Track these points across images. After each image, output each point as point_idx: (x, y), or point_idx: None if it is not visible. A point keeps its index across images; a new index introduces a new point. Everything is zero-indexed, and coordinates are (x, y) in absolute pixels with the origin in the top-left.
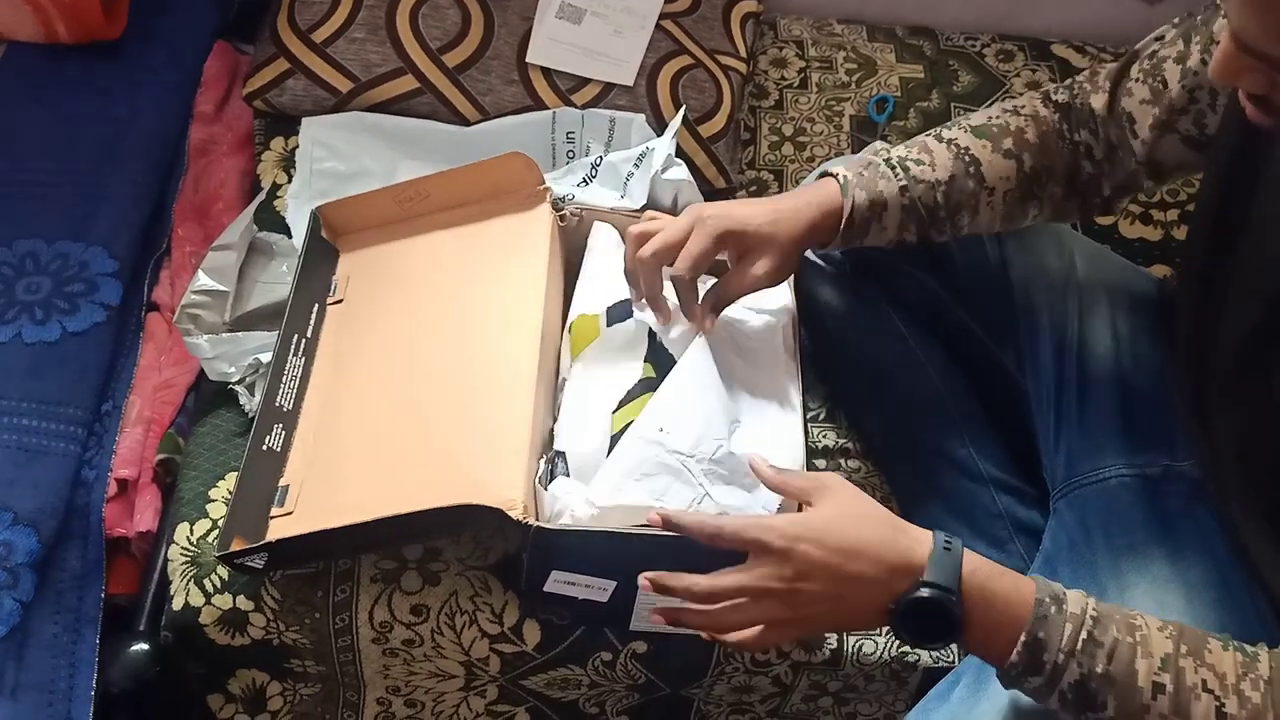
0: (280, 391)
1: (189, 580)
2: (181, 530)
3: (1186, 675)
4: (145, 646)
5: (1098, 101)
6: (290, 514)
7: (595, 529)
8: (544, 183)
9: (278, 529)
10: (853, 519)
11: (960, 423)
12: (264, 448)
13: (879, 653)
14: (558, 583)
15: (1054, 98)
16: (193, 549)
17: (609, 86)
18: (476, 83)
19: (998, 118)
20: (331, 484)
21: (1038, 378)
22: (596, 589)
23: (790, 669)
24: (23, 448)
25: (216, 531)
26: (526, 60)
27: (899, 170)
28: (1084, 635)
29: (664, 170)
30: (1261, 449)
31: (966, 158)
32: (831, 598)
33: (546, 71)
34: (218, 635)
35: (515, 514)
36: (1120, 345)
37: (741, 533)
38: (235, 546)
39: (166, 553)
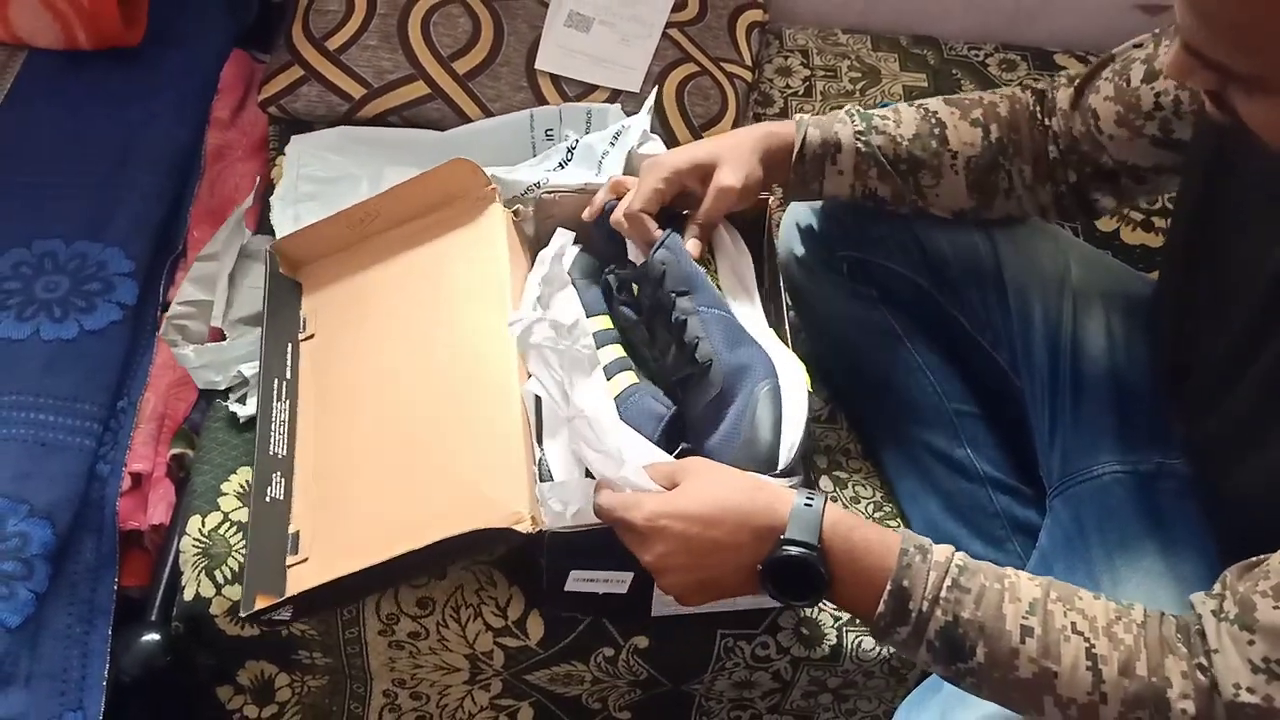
0: (271, 439)
1: (200, 571)
2: (194, 523)
3: (1055, 618)
4: (156, 636)
5: (1063, 95)
6: (306, 561)
7: (604, 524)
8: (490, 184)
9: (297, 578)
10: (712, 486)
11: (957, 423)
12: (267, 499)
13: (878, 649)
14: (578, 581)
15: (1033, 85)
16: (204, 541)
17: (616, 93)
18: (486, 89)
19: (974, 94)
20: (340, 524)
21: (1033, 378)
22: (615, 582)
23: (790, 665)
24: (40, 442)
25: (228, 524)
26: (535, 67)
27: (858, 118)
28: (949, 582)
29: (640, 145)
30: (1244, 448)
31: (933, 120)
32: (697, 567)
33: (555, 78)
34: (228, 626)
35: (523, 528)
36: (1115, 345)
37: (610, 513)
38: (260, 604)
39: (179, 545)
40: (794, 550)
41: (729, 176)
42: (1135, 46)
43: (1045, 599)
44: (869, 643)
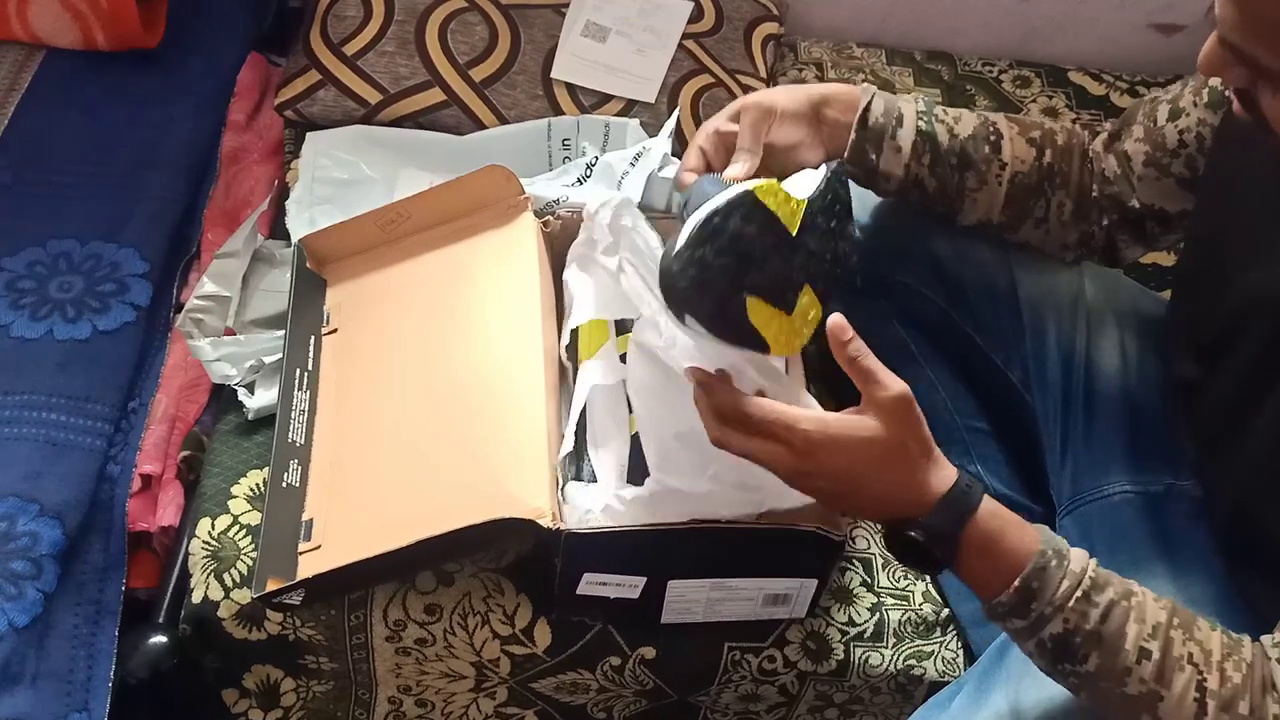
0: (290, 427)
1: (209, 574)
2: (203, 525)
3: (1175, 646)
4: (163, 638)
5: (1099, 140)
6: (318, 548)
7: (623, 528)
8: (524, 193)
9: (308, 564)
10: (883, 451)
11: (968, 439)
12: (283, 485)
13: (885, 665)
14: (591, 584)
15: (1090, 125)
16: (213, 544)
17: (631, 103)
18: (502, 97)
19: (1032, 117)
20: (355, 513)
21: (1045, 396)
22: (628, 587)
23: (797, 679)
24: (51, 442)
25: (237, 527)
26: (551, 76)
27: (920, 101)
28: (1079, 593)
29: (660, 169)
30: (1264, 472)
31: (991, 128)
32: (836, 495)
33: (571, 87)
34: (235, 629)
35: (545, 522)
36: (1128, 364)
37: (766, 424)
38: (271, 586)
39: (188, 547)
40: (919, 534)
41: (759, 97)
42: (1165, 92)
43: (1168, 625)
44: (876, 658)
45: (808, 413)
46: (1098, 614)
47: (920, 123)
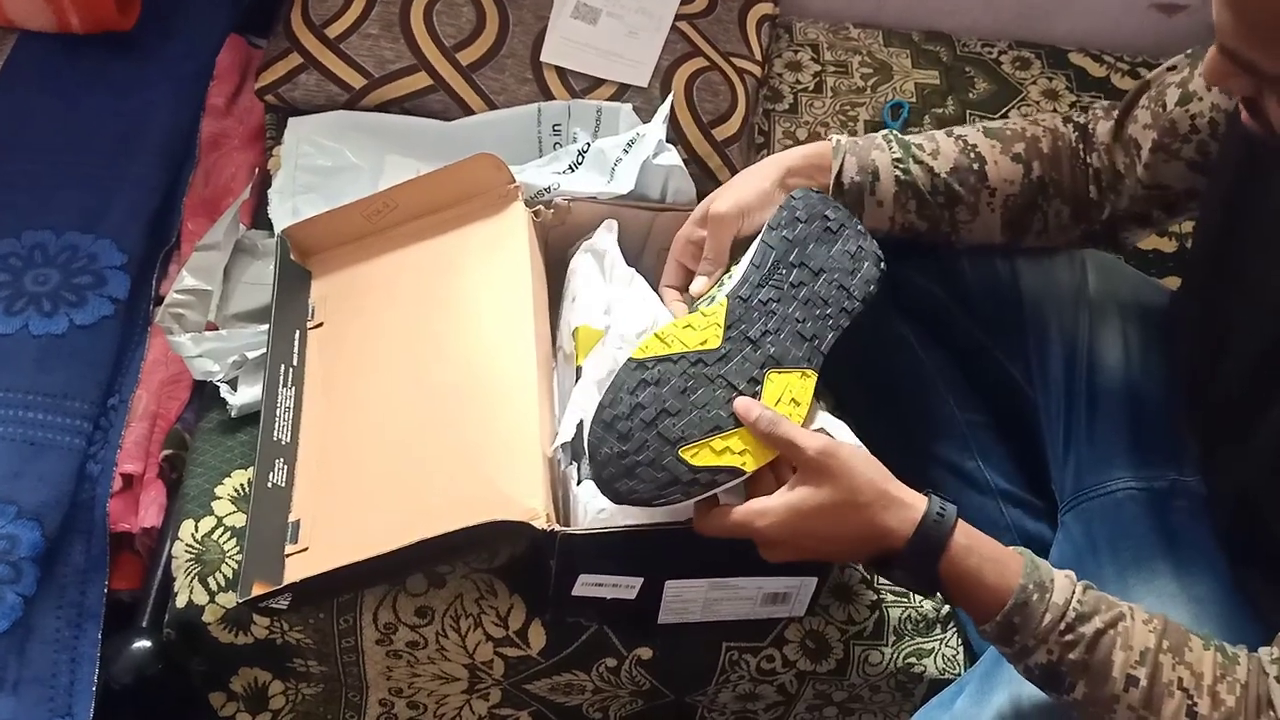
0: (276, 425)
1: (193, 577)
2: (186, 527)
3: (1163, 671)
4: (148, 643)
5: (1104, 128)
6: (306, 550)
7: (619, 529)
8: (514, 181)
9: (295, 567)
10: (832, 510)
11: (969, 434)
12: (269, 485)
13: (885, 663)
14: (586, 585)
15: (1075, 119)
16: (197, 546)
17: (623, 87)
18: (490, 81)
19: (1014, 124)
20: (344, 514)
21: (1047, 390)
22: (624, 587)
23: (795, 678)
24: (28, 441)
25: (221, 529)
26: (541, 59)
27: (895, 145)
28: (1062, 626)
29: (655, 155)
30: (1263, 476)
31: (972, 154)
32: (816, 554)
33: (561, 71)
34: (221, 633)
35: (539, 524)
36: (1131, 358)
37: (734, 529)
38: (257, 591)
39: (171, 549)
40: (900, 575)
41: (719, 204)
42: (1169, 70)
43: (1157, 649)
44: (876, 656)
45: (757, 505)
46: (1083, 644)
47: (898, 172)
